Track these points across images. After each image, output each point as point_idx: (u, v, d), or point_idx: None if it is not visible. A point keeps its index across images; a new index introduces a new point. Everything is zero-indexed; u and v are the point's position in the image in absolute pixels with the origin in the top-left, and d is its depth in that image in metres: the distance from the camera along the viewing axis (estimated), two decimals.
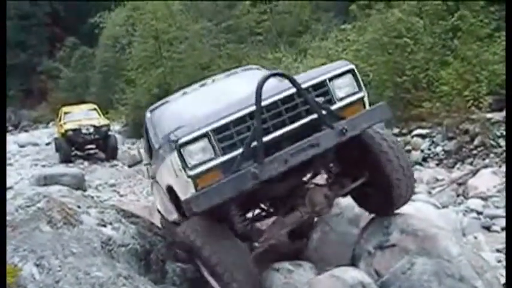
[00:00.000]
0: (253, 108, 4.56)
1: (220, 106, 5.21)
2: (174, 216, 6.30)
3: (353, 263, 5.53)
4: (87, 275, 4.31)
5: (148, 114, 7.35)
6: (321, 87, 4.97)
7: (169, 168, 4.99)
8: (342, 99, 5.00)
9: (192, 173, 4.56)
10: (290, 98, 4.83)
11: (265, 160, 4.50)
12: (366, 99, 5.14)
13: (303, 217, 5.36)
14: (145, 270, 5.40)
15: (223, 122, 4.66)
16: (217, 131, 4.63)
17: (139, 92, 24.54)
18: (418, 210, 6.40)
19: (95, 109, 23.42)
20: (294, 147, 4.60)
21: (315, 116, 4.78)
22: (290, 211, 5.42)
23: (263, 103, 4.58)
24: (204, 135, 4.60)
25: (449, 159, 11.85)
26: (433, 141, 12.38)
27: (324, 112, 4.77)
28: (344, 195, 5.81)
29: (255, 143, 4.52)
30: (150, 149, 7.25)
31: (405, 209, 5.84)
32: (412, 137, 12.93)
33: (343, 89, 5.06)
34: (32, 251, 4.33)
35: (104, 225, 5.44)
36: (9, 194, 6.18)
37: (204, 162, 4.59)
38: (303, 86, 4.80)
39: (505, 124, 10.72)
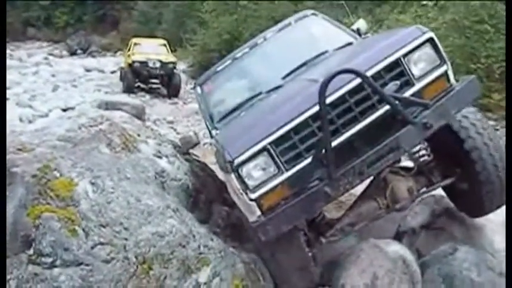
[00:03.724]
0: (316, 108, 3.92)
1: (277, 100, 4.85)
2: None
3: (396, 238, 5.47)
4: (138, 201, 4.39)
5: (198, 90, 6.52)
6: (394, 67, 4.20)
7: (229, 186, 4.58)
8: (421, 77, 4.20)
9: (254, 195, 4.10)
10: (358, 88, 4.09)
11: (337, 174, 3.97)
12: (449, 72, 4.26)
13: (380, 209, 4.90)
14: (192, 207, 5.47)
15: (282, 131, 4.09)
16: (276, 142, 4.09)
17: (210, 35, 24.55)
18: None
19: (164, 45, 23.56)
20: (370, 154, 4.03)
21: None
22: (366, 201, 4.97)
23: (327, 100, 3.83)
24: (263, 149, 4.10)
25: None
26: None
27: (401, 103, 4.02)
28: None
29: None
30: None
31: None
32: None
33: (422, 65, 4.22)
34: (89, 169, 4.40)
35: (160, 157, 5.52)
36: (72, 113, 6.33)
37: (267, 181, 4.11)
38: (373, 70, 4.12)
39: None
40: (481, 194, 4.78)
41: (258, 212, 4.14)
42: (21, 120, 14.78)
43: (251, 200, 4.11)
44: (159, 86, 22.04)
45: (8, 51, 34.82)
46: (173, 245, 4.28)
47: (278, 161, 4.10)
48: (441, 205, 5.56)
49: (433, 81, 4.23)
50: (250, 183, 4.11)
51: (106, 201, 4.21)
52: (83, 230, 3.89)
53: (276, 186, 4.12)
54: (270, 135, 4.09)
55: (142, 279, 3.93)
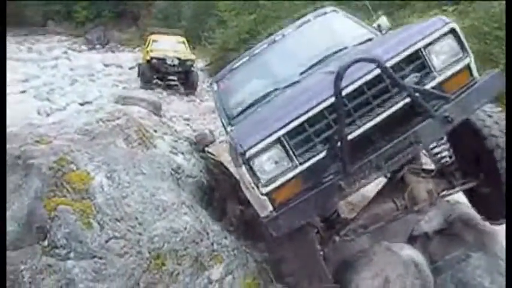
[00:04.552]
0: (332, 100, 3.76)
1: (293, 94, 4.59)
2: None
3: (409, 242, 5.43)
4: (153, 196, 4.42)
5: (214, 86, 6.40)
6: (415, 59, 4.01)
7: (242, 182, 4.37)
8: (442, 70, 4.00)
9: (266, 190, 3.93)
10: (377, 79, 3.90)
11: (352, 168, 3.81)
12: (472, 65, 4.05)
13: (398, 211, 4.71)
14: (206, 204, 5.46)
15: (296, 122, 3.92)
16: (290, 134, 3.92)
17: (229, 34, 24.52)
18: None
19: (183, 42, 23.53)
20: (388, 147, 3.84)
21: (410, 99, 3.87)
22: (383, 201, 4.78)
23: (344, 91, 3.70)
24: (276, 141, 3.92)
25: None
26: None
27: (421, 95, 3.83)
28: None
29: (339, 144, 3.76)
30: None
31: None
32: None
33: (444, 57, 4.02)
34: (105, 163, 4.43)
35: (176, 154, 5.52)
36: (90, 107, 6.37)
37: (280, 175, 3.94)
38: (392, 61, 3.92)
39: None
40: (503, 199, 4.41)
41: (270, 207, 3.98)
42: (39, 113, 14.85)
43: (263, 194, 3.95)
44: (176, 83, 22.03)
45: (27, 44, 35.10)
46: (187, 241, 4.30)
47: (292, 154, 3.93)
48: (455, 211, 5.52)
49: (455, 74, 4.03)
50: (262, 176, 3.93)
51: (121, 195, 4.23)
52: (98, 223, 3.92)
53: (289, 181, 3.94)
54: (283, 126, 3.92)
55: (155, 275, 3.95)
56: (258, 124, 4.34)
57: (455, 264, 4.86)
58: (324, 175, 3.92)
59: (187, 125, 15.15)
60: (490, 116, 4.55)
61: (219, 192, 5.87)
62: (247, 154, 3.91)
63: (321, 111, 3.92)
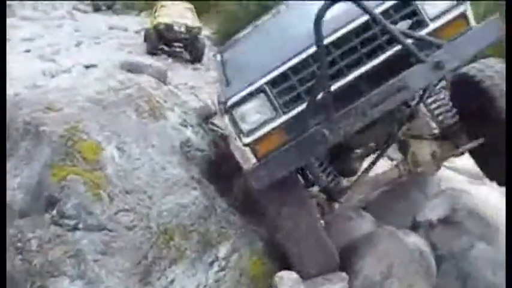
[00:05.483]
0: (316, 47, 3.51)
1: (282, 46, 4.23)
2: None
3: (413, 228, 5.40)
4: (163, 170, 4.39)
5: (218, 57, 5.94)
6: (405, 6, 3.77)
7: (225, 131, 4.25)
8: (436, 18, 3.76)
9: (248, 140, 3.81)
10: (365, 26, 3.69)
11: (337, 115, 3.60)
12: (469, 13, 3.79)
13: (401, 176, 4.66)
14: (214, 179, 5.39)
15: (279, 70, 3.76)
16: (273, 83, 3.77)
17: (237, 3, 24.34)
18: (488, 195, 5.82)
19: (190, 9, 23.34)
20: (374, 93, 3.59)
21: (400, 46, 3.63)
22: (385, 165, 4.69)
23: (329, 39, 3.55)
24: (259, 90, 3.79)
25: None
26: None
27: (411, 40, 3.60)
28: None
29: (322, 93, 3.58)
30: None
31: (475, 192, 5.53)
32: None
33: (437, 4, 3.76)
34: (116, 134, 4.40)
35: (185, 126, 5.45)
36: (95, 71, 6.28)
37: (262, 124, 3.80)
38: (381, 7, 3.71)
39: None
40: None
41: (254, 160, 3.86)
42: (44, 74, 14.70)
43: (245, 145, 3.83)
44: (182, 50, 21.87)
45: (31, 2, 34.79)
46: (195, 217, 4.30)
47: (275, 103, 3.79)
48: (461, 199, 5.47)
49: (450, 22, 3.78)
50: (244, 126, 3.82)
51: (132, 167, 4.21)
52: (108, 195, 3.90)
53: (272, 131, 3.82)
54: (266, 74, 3.79)
55: (162, 249, 3.94)
56: (244, 75, 4.17)
57: (458, 254, 4.85)
58: (308, 125, 3.74)
59: (193, 93, 15.02)
60: (490, 67, 4.41)
61: (225, 166, 5.81)
62: (229, 103, 3.81)
63: (305, 59, 3.76)
